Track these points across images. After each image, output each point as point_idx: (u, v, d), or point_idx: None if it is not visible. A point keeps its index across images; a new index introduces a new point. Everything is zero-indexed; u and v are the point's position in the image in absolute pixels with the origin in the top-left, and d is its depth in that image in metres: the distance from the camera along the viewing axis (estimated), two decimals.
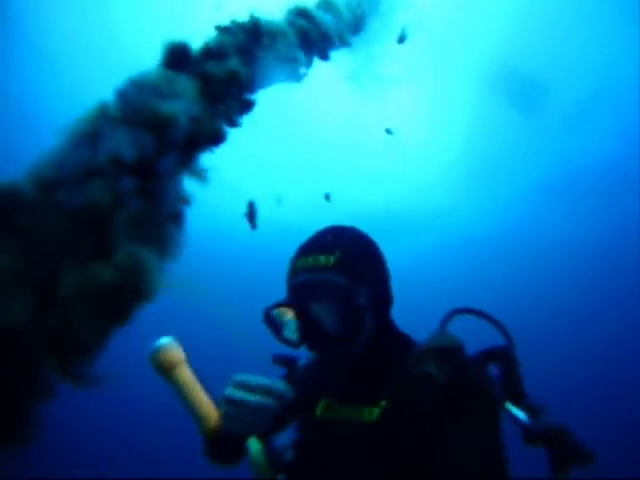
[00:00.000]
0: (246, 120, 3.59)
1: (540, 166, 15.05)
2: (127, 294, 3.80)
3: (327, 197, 7.34)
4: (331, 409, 1.06)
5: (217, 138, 3.20)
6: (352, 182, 15.57)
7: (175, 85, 2.61)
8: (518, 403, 1.06)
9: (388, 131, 7.23)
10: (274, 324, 1.08)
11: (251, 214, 4.38)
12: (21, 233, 2.47)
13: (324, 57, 3.99)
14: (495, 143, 14.60)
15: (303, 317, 1.01)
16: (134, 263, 3.51)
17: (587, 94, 13.40)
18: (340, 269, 1.01)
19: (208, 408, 1.01)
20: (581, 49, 12.56)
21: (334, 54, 4.10)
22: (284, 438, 1.08)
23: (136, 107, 2.40)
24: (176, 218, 2.86)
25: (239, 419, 0.91)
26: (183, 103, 2.54)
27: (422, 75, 12.17)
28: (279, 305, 1.07)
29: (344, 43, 4.15)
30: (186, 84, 2.72)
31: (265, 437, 1.04)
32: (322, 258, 1.02)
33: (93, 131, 2.33)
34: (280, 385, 0.94)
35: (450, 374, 0.97)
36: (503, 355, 1.12)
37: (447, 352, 1.00)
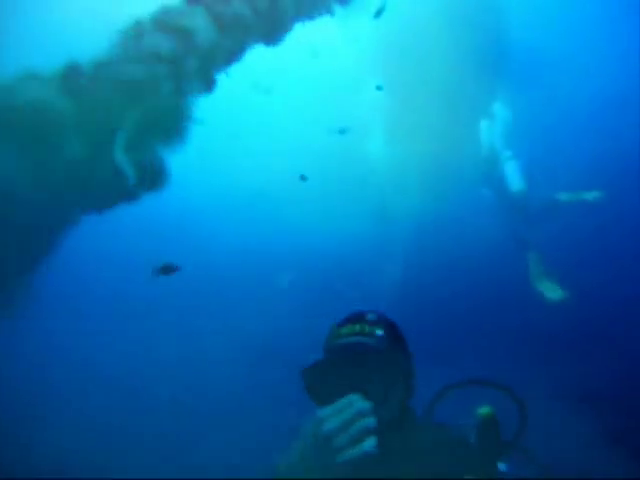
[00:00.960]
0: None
1: None
2: (140, 188, 4.52)
3: (303, 178, 7.70)
4: None
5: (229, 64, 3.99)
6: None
7: (193, 12, 3.39)
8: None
9: (379, 87, 7.80)
10: (314, 385, 1.09)
11: (166, 268, 5.00)
12: (80, 95, 3.21)
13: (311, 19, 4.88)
14: None
15: (346, 376, 1.04)
16: (149, 164, 4.25)
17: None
18: (385, 339, 1.12)
19: None
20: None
21: None
22: None
23: (164, 19, 3.19)
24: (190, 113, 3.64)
25: (343, 447, 0.83)
26: (202, 21, 3.33)
27: None
28: (320, 365, 1.09)
29: (329, 11, 5.06)
30: (202, 14, 3.51)
31: None
32: (368, 327, 1.14)
33: (133, 35, 3.12)
34: (361, 401, 0.89)
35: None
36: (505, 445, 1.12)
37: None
